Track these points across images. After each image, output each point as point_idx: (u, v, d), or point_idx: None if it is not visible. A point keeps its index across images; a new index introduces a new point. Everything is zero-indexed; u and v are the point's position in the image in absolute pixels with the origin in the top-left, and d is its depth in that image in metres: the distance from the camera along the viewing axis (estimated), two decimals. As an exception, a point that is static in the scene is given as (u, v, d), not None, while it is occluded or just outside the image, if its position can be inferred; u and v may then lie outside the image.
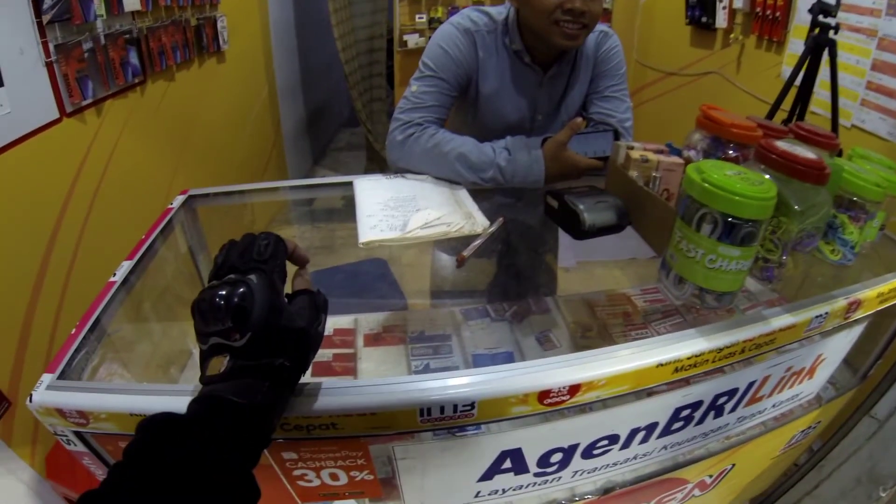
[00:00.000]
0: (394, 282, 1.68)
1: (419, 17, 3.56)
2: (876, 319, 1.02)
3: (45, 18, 1.53)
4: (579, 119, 1.11)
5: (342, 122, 5.32)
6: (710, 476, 1.09)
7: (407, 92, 1.26)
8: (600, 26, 1.33)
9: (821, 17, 1.97)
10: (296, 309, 0.57)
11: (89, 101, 1.74)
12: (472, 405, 0.62)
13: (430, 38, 3.65)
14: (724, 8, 2.91)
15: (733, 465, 1.10)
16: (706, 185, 0.68)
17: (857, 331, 1.06)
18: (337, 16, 3.59)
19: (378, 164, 4.07)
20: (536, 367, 0.65)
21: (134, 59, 1.97)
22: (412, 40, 3.56)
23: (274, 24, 3.42)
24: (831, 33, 1.97)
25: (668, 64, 3.55)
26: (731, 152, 0.91)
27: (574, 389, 0.65)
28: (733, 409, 0.88)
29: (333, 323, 1.02)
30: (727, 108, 2.89)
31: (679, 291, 0.75)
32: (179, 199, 1.16)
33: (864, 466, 1.37)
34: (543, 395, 0.64)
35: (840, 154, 1.19)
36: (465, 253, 0.95)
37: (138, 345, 0.95)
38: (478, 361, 0.94)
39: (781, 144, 0.79)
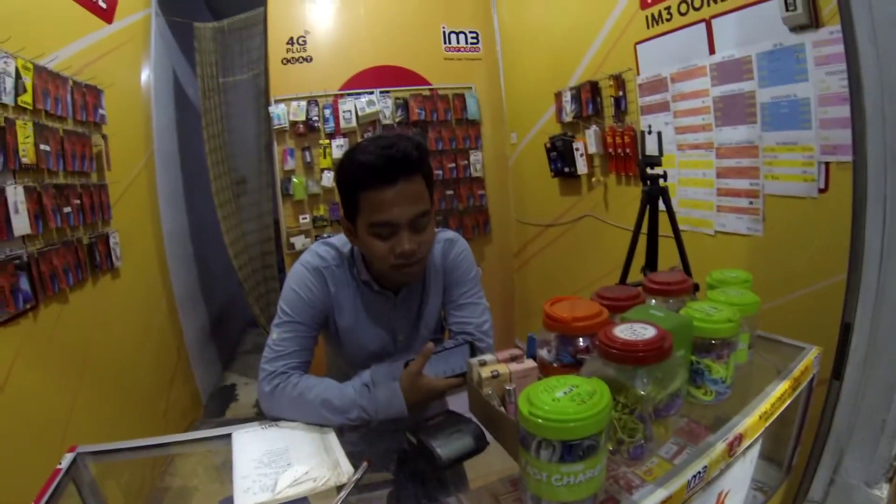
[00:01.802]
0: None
1: (303, 218, 3.64)
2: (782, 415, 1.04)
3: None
4: (430, 344, 1.18)
5: (247, 322, 5.26)
6: None
7: (269, 340, 1.30)
8: (445, 234, 1.44)
9: (649, 170, 2.16)
10: None
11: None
12: None
13: (315, 238, 3.72)
14: (581, 155, 3.17)
15: None
16: (534, 418, 0.70)
17: (755, 451, 1.07)
18: (226, 223, 3.70)
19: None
20: None
21: (25, 284, 1.93)
22: (299, 242, 3.61)
23: (168, 235, 3.46)
24: (661, 182, 2.16)
25: (544, 216, 3.78)
26: (580, 344, 0.97)
27: None
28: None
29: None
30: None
31: (539, 509, 0.75)
32: (68, 458, 1.10)
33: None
34: None
35: (697, 288, 1.27)
36: None
37: None
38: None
39: (619, 332, 0.85)
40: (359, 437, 1.26)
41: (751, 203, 2.20)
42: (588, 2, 3.03)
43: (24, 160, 1.98)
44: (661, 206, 2.18)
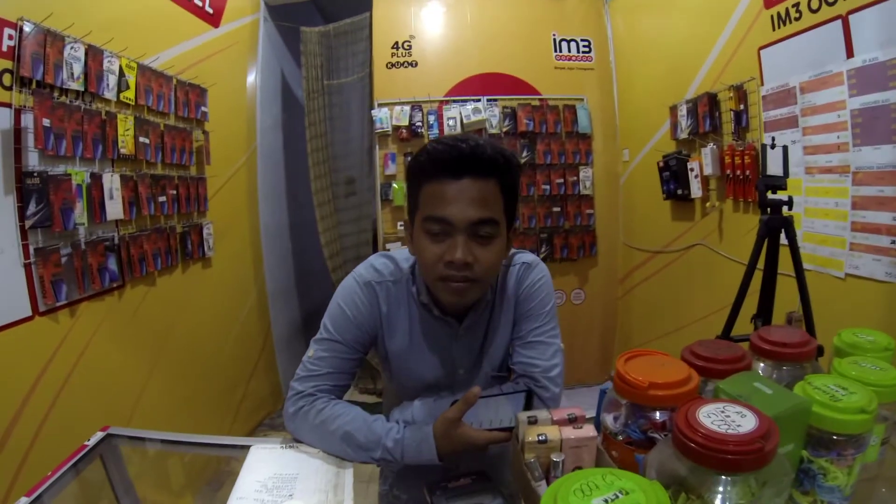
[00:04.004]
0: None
1: (400, 225, 3.54)
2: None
3: (28, 223, 1.71)
4: (476, 389, 1.00)
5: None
6: None
7: (305, 356, 1.18)
8: (523, 257, 1.25)
9: (770, 194, 1.81)
10: None
11: (63, 302, 1.83)
12: None
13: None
14: (696, 177, 2.86)
15: None
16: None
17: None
18: (323, 223, 3.73)
19: (370, 372, 3.91)
20: None
21: (112, 265, 2.07)
22: (394, 248, 3.48)
23: (265, 230, 3.58)
24: (785, 210, 1.80)
25: (653, 242, 3.50)
26: (655, 417, 0.78)
27: None
28: None
29: None
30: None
31: None
32: (96, 437, 1.14)
33: None
34: None
35: (821, 352, 1.00)
36: None
37: None
38: None
39: (705, 416, 0.64)
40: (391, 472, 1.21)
41: (894, 243, 1.81)
42: (706, 5, 2.74)
43: (123, 151, 2.11)
44: (784, 239, 1.85)
